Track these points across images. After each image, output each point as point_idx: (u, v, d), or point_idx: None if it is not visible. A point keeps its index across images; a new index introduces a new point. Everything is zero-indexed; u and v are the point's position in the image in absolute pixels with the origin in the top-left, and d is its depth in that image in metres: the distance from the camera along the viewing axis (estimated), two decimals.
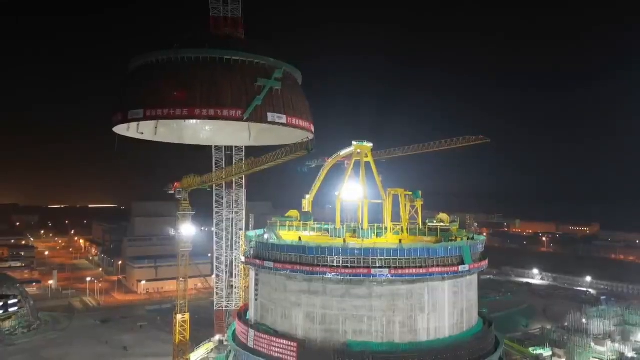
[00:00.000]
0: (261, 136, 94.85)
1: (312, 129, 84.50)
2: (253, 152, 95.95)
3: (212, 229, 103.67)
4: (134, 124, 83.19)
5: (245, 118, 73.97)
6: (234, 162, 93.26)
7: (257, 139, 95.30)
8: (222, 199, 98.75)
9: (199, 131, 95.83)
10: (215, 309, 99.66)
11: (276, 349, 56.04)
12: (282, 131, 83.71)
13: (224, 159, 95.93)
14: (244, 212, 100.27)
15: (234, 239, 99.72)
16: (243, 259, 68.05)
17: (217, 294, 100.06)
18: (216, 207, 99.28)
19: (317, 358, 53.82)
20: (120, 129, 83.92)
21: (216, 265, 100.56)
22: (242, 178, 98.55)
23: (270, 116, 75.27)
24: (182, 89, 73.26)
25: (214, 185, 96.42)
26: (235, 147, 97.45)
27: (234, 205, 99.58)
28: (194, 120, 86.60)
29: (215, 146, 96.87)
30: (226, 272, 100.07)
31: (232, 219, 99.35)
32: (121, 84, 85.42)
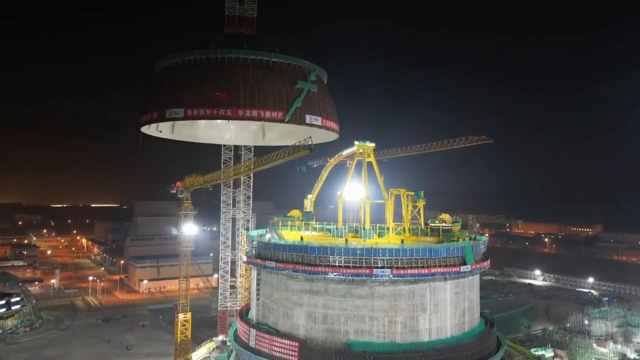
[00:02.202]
0: (273, 136, 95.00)
1: (338, 130, 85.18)
2: (258, 151, 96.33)
3: (214, 228, 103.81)
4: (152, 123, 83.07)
5: (286, 120, 74.33)
6: (242, 162, 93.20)
7: (269, 139, 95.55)
8: (230, 198, 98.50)
9: (223, 131, 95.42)
10: (219, 309, 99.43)
11: (278, 349, 56.01)
12: (297, 131, 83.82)
13: (232, 159, 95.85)
14: (250, 211, 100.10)
15: (238, 239, 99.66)
16: (245, 258, 68.08)
17: (221, 294, 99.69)
18: (223, 206, 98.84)
19: (318, 358, 53.76)
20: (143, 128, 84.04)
21: (221, 265, 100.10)
22: (249, 178, 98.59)
23: (308, 118, 76.56)
24: (224, 89, 73.32)
25: (222, 185, 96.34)
26: (244, 146, 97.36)
27: (242, 205, 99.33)
28: (220, 120, 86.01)
29: (224, 145, 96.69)
30: (230, 271, 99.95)
31: (240, 218, 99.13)
32: (153, 82, 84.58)
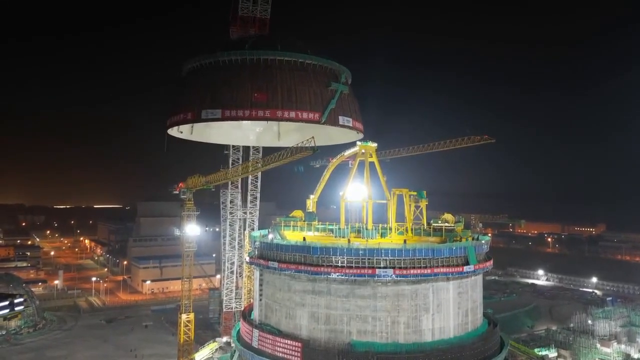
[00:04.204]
0: (289, 135, 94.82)
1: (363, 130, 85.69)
2: (264, 151, 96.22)
3: (217, 229, 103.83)
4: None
5: (323, 121, 74.66)
6: (250, 161, 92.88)
7: (284, 138, 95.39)
8: (237, 199, 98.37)
9: (248, 132, 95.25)
10: (224, 310, 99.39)
11: (280, 349, 55.97)
12: (309, 131, 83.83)
13: (240, 159, 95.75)
14: (257, 212, 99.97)
15: (238, 238, 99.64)
16: (247, 258, 68.15)
17: (226, 295, 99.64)
18: (230, 206, 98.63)
19: (321, 358, 53.70)
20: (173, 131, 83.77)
21: (227, 266, 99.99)
22: (257, 178, 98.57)
23: (342, 119, 77.37)
24: (262, 90, 73.34)
25: (229, 184, 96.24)
26: (253, 147, 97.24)
27: (248, 205, 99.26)
28: (244, 122, 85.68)
29: (233, 146, 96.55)
30: (236, 272, 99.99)
31: (247, 218, 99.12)
32: (180, 83, 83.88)
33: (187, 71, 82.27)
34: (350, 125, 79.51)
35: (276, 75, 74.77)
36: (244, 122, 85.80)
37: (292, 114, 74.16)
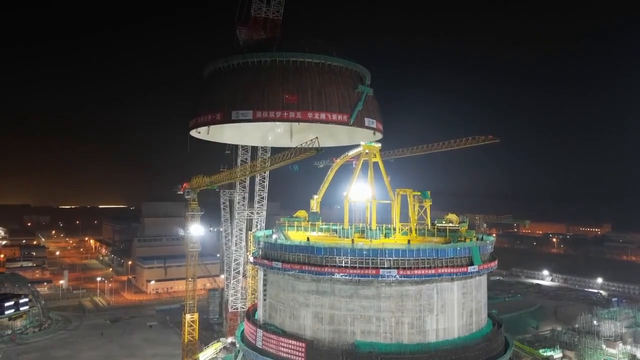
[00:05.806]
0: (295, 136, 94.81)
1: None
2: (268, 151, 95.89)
3: (221, 229, 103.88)
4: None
5: (351, 123, 75.04)
6: (258, 162, 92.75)
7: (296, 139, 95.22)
8: (245, 199, 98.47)
9: (267, 132, 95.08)
10: (230, 310, 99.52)
11: (284, 349, 56.03)
12: (316, 131, 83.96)
13: (249, 159, 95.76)
14: (264, 211, 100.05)
15: (237, 239, 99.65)
16: (251, 259, 68.25)
17: (232, 295, 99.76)
18: (238, 207, 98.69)
19: (325, 358, 53.73)
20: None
21: (234, 266, 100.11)
22: (264, 179, 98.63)
23: (367, 121, 77.36)
24: (293, 92, 73.62)
25: (237, 185, 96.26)
26: (261, 147, 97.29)
27: (256, 206, 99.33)
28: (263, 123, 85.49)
29: (242, 146, 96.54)
30: (242, 272, 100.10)
31: (252, 219, 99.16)
32: (204, 84, 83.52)
33: (212, 72, 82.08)
34: (374, 126, 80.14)
35: (306, 77, 74.99)
36: (267, 123, 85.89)
37: (323, 116, 74.28)
